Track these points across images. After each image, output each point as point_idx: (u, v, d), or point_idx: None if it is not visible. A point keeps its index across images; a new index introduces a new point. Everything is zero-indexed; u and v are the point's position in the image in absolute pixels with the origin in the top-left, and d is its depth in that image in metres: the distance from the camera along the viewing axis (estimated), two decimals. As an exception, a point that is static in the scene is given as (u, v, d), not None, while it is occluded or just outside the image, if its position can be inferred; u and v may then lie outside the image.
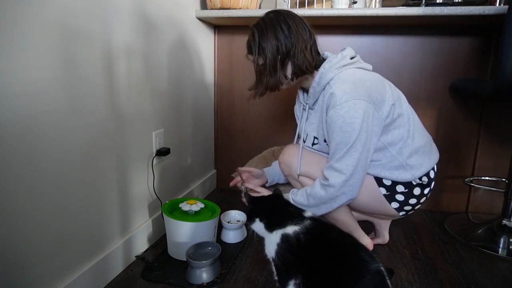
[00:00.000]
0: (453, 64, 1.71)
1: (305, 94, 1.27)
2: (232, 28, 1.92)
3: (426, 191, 1.19)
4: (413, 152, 1.14)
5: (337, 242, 0.88)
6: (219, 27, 1.94)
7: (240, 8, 1.67)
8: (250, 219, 0.98)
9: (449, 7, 1.44)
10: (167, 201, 1.38)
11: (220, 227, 1.45)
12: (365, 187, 1.17)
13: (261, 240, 0.97)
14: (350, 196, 1.11)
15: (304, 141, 1.28)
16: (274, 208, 0.97)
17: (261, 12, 1.60)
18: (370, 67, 1.21)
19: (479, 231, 1.59)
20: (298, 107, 1.34)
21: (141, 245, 1.36)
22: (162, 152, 1.43)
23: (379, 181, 1.17)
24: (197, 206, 1.34)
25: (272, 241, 0.90)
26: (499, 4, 1.58)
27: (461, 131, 1.76)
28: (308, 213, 0.95)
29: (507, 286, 1.23)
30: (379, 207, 1.20)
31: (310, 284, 0.81)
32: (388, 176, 1.16)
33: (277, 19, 1.12)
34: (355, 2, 1.75)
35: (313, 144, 1.25)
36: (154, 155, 1.41)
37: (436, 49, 1.72)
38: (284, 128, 1.92)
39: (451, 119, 1.76)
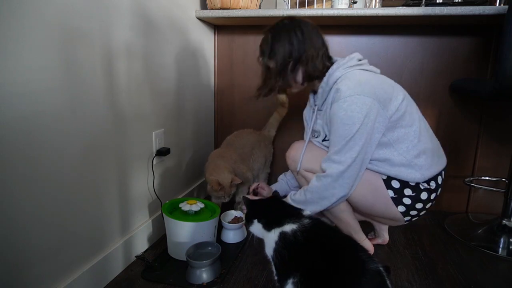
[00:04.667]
0: (453, 64, 1.71)
1: (315, 96, 1.29)
2: (232, 28, 1.92)
3: (432, 196, 1.19)
4: (421, 152, 1.15)
5: (336, 241, 0.88)
6: (219, 27, 1.94)
7: (240, 8, 1.68)
8: (248, 222, 1.00)
9: (449, 7, 1.44)
10: (167, 201, 1.38)
11: (220, 227, 1.45)
12: (373, 188, 1.18)
13: (261, 241, 0.98)
14: (345, 191, 1.12)
15: (316, 137, 1.30)
16: (271, 208, 0.99)
17: (261, 12, 1.63)
18: (378, 70, 1.24)
19: (479, 231, 1.59)
20: (307, 111, 1.37)
21: (141, 245, 1.36)
22: (162, 152, 1.43)
23: (387, 183, 1.17)
24: (197, 206, 1.34)
25: (270, 240, 0.91)
26: (499, 4, 1.58)
27: (461, 131, 1.76)
28: (306, 212, 0.96)
29: (507, 286, 1.23)
30: (384, 209, 1.20)
31: (308, 283, 0.81)
32: (398, 175, 1.16)
33: (292, 25, 1.16)
34: (355, 2, 1.76)
35: (324, 140, 1.26)
36: (154, 155, 1.41)
37: (436, 49, 1.72)
38: (284, 127, 1.92)
39: (451, 119, 1.76)
